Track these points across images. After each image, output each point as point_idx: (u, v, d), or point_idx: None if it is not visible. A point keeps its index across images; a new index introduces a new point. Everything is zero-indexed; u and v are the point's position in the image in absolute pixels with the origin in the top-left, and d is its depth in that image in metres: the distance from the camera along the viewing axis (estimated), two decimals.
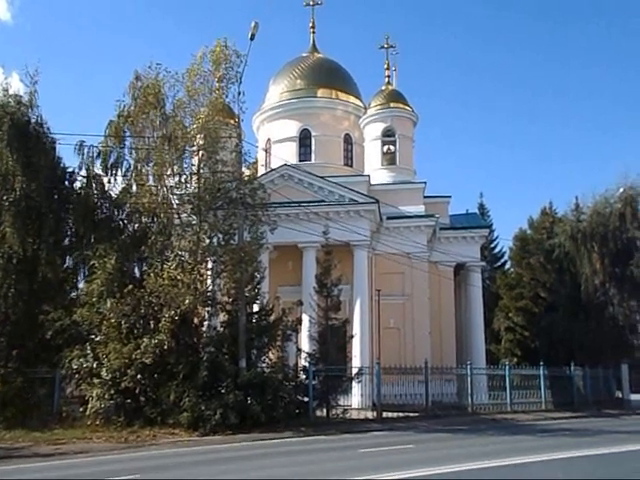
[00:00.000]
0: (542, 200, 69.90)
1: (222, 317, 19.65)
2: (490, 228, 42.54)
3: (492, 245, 47.59)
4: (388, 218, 28.21)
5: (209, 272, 19.80)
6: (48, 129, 21.19)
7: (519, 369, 26.17)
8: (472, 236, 31.07)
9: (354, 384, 21.02)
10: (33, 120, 20.86)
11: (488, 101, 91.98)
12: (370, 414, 20.35)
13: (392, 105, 30.84)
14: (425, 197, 29.72)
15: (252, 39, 18.66)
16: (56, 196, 20.74)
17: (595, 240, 31.75)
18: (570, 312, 32.19)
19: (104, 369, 17.36)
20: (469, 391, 22.71)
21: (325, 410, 19.40)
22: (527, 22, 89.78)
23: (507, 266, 46.71)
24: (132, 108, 20.09)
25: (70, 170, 21.65)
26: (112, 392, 17.18)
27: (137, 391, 17.23)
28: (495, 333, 39.25)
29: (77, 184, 21.84)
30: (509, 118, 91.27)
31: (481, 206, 48.76)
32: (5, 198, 19.57)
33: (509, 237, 45.43)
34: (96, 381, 17.46)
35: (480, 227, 32.73)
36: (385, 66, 32.65)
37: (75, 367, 17.90)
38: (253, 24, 18.53)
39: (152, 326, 17.65)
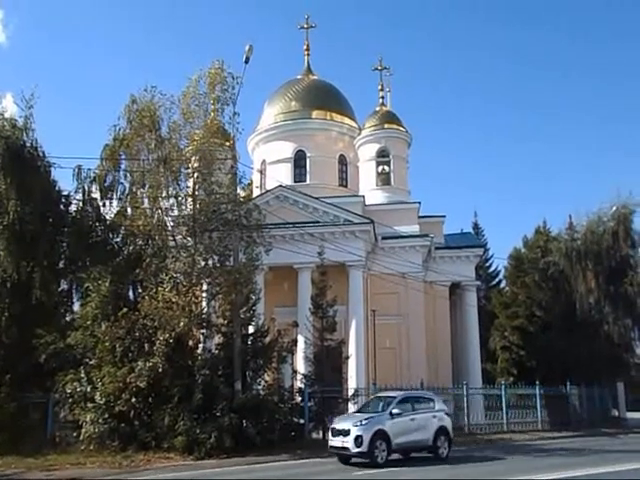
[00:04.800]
0: (536, 219, 70.41)
1: (217, 339, 19.58)
2: (485, 247, 42.64)
3: (487, 264, 47.66)
4: (383, 238, 28.35)
5: (204, 294, 19.77)
6: (43, 153, 21.35)
7: (515, 388, 26.09)
8: (467, 255, 31.15)
9: (350, 405, 20.86)
10: (28, 144, 20.98)
11: (482, 121, 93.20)
12: None
13: (386, 126, 31.20)
14: (420, 217, 29.92)
15: (247, 62, 18.90)
16: (51, 219, 20.78)
17: (589, 258, 31.92)
18: (565, 330, 32.16)
19: (98, 393, 17.20)
20: (465, 411, 22.62)
21: (321, 432, 19.25)
22: (519, 40, 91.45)
23: (502, 285, 46.70)
24: (127, 131, 20.25)
25: (65, 193, 21.80)
26: (106, 416, 17.00)
27: (131, 415, 17.05)
28: (491, 352, 39.08)
29: (72, 207, 21.93)
30: (503, 137, 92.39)
31: (475, 225, 48.98)
32: None
33: (504, 256, 45.55)
34: (90, 405, 17.28)
35: (475, 246, 32.84)
36: (379, 87, 33.12)
37: (69, 391, 17.74)
38: (248, 47, 18.79)
39: (147, 349, 17.53)
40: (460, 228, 36.72)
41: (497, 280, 48.07)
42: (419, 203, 30.20)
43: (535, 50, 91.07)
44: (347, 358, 22.04)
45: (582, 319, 31.62)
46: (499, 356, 39.10)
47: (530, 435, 22.36)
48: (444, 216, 32.36)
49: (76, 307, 21.59)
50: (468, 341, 30.61)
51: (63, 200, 21.80)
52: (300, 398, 19.45)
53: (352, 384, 22.15)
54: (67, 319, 21.03)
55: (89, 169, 21.46)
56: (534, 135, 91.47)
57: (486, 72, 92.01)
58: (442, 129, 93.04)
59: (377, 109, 32.43)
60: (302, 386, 19.71)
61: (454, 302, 32.00)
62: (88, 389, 17.52)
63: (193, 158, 20.10)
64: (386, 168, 30.91)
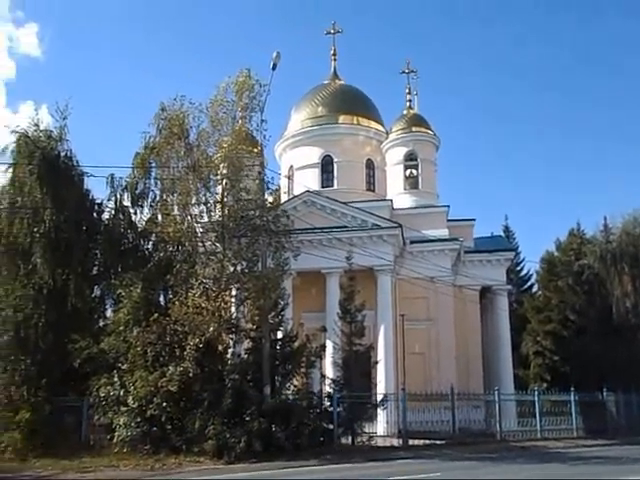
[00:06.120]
0: (569, 221, 68.95)
1: (246, 344, 19.69)
2: (516, 251, 41.99)
3: (518, 268, 46.87)
4: (411, 242, 28.16)
5: (233, 299, 19.95)
6: (77, 162, 21.89)
7: (549, 395, 25.53)
8: (497, 259, 30.73)
9: (379, 411, 20.77)
10: (62, 154, 21.53)
11: (512, 123, 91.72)
12: (396, 441, 20.07)
13: (414, 129, 31.05)
14: (449, 220, 29.63)
15: (274, 69, 19.06)
16: (84, 227, 21.25)
17: (625, 261, 31.19)
18: (601, 335, 31.40)
19: (130, 397, 17.52)
20: (497, 418, 22.22)
21: (350, 437, 19.18)
22: (547, 40, 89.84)
23: (534, 289, 45.89)
24: (158, 139, 20.62)
25: (98, 202, 22.28)
26: (138, 420, 17.31)
27: (163, 419, 17.30)
28: (523, 357, 38.39)
29: (105, 215, 22.43)
30: (533, 138, 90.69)
31: (506, 228, 48.22)
32: (35, 230, 20.08)
33: (536, 259, 44.85)
34: (123, 409, 17.63)
35: (505, 250, 32.39)
36: (406, 90, 33.00)
37: (102, 395, 18.09)
38: (275, 54, 18.93)
39: (177, 354, 17.78)
40: (490, 231, 36.30)
41: (529, 284, 47.25)
42: (448, 207, 29.93)
43: (565, 46, 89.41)
44: (376, 363, 21.93)
45: (618, 323, 30.86)
46: (532, 361, 38.40)
47: (565, 443, 21.82)
48: (474, 219, 32.00)
49: (109, 313, 22.04)
50: (499, 346, 30.13)
51: (96, 208, 22.30)
52: (329, 403, 19.41)
53: (381, 389, 22.05)
54: (100, 325, 21.44)
55: (121, 177, 21.94)
56: (567, 136, 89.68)
57: (515, 73, 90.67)
58: (471, 132, 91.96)
59: (404, 112, 32.31)
60: (331, 391, 19.68)
61: (485, 306, 31.55)
62: (121, 393, 17.85)
63: (222, 165, 20.36)
64: (414, 172, 30.73)
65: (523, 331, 38.85)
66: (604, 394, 25.65)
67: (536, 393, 24.30)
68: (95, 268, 22.00)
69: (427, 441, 20.11)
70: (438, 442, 20.13)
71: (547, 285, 39.41)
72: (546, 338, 37.08)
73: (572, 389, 24.53)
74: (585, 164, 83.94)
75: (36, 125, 21.54)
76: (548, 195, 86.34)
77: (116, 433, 17.38)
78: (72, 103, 21.64)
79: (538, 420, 23.01)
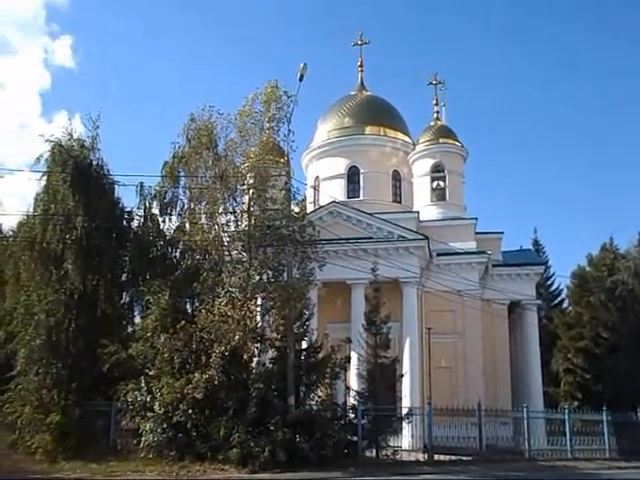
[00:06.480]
0: (602, 236, 67.24)
1: (271, 353, 19.71)
2: (546, 265, 41.25)
3: (548, 282, 45.98)
4: (438, 255, 27.90)
5: (258, 308, 20.02)
6: (108, 171, 22.35)
7: (580, 413, 24.71)
8: (527, 273, 30.15)
9: (404, 424, 20.47)
10: (94, 162, 22.01)
11: (542, 135, 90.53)
12: (421, 456, 19.75)
13: (441, 140, 30.90)
14: (476, 233, 29.28)
15: (301, 80, 19.22)
16: (114, 235, 21.58)
17: None
18: (634, 353, 30.50)
19: (157, 403, 17.65)
20: (526, 435, 21.64)
21: (374, 450, 18.96)
22: (573, 53, 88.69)
23: (565, 304, 44.89)
24: (186, 149, 20.98)
25: (128, 210, 22.70)
26: (164, 426, 17.41)
27: (188, 425, 17.37)
28: (553, 375, 37.47)
29: (134, 223, 22.83)
30: (564, 152, 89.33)
31: (535, 242, 47.48)
32: (67, 237, 20.49)
33: (567, 274, 43.79)
34: (149, 414, 17.76)
35: (535, 264, 31.79)
36: (434, 102, 32.92)
37: (130, 400, 18.28)
38: (302, 65, 19.11)
39: (203, 361, 17.87)
40: (519, 245, 35.66)
41: (559, 299, 46.30)
42: (475, 219, 29.60)
43: (593, 59, 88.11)
44: (401, 376, 21.67)
45: None
46: (562, 379, 37.46)
47: (597, 463, 21.07)
48: (502, 232, 31.59)
49: (137, 319, 22.32)
50: (528, 362, 29.46)
51: (126, 216, 22.71)
52: (353, 415, 19.24)
53: (406, 403, 21.73)
54: (129, 330, 21.73)
55: (150, 186, 22.30)
56: (598, 147, 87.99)
57: (542, 84, 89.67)
58: (499, 143, 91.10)
59: (432, 124, 32.20)
60: (355, 403, 19.51)
61: (513, 321, 30.96)
62: (148, 399, 18.00)
63: (249, 175, 20.57)
64: (441, 183, 30.53)
65: (553, 347, 37.97)
66: (638, 414, 24.78)
67: (566, 411, 23.58)
68: (124, 275, 22.32)
69: (453, 457, 19.69)
70: (464, 458, 19.69)
71: (578, 301, 38.52)
72: (577, 355, 36.15)
73: (604, 408, 23.77)
74: (618, 177, 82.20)
75: (69, 134, 22.09)
76: (579, 209, 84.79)
77: (142, 438, 17.51)
78: (103, 113, 22.19)
79: (568, 439, 22.30)
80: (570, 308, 42.20)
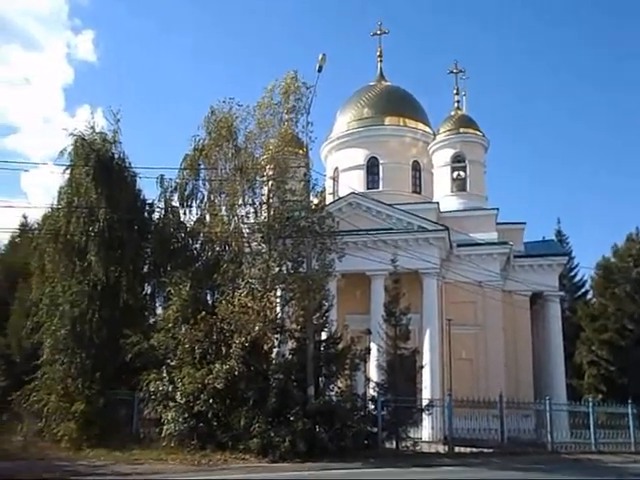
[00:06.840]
0: (627, 226, 65.75)
1: (291, 344, 19.79)
2: (569, 256, 40.59)
3: (572, 274, 45.31)
4: (459, 245, 27.65)
5: (278, 300, 20.09)
6: (129, 164, 22.57)
7: (604, 406, 24.35)
8: (549, 264, 29.69)
9: (424, 416, 20.42)
10: (116, 156, 22.25)
11: (566, 124, 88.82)
12: (441, 448, 19.66)
13: (462, 130, 30.49)
14: (498, 224, 28.90)
15: (320, 71, 19.10)
16: (136, 227, 21.84)
17: None
18: None
19: (178, 393, 17.88)
20: (548, 428, 21.40)
21: (394, 442, 18.94)
22: (596, 43, 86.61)
23: (589, 296, 44.23)
24: (206, 141, 21.09)
25: (149, 202, 22.90)
26: (186, 415, 17.64)
27: (209, 415, 17.57)
28: (577, 367, 37.01)
29: (155, 215, 23.05)
30: (588, 141, 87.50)
31: (558, 233, 46.80)
32: (90, 229, 20.80)
33: (591, 265, 43.15)
34: (171, 404, 18.01)
35: (558, 255, 31.28)
36: (454, 91, 32.48)
37: (152, 390, 18.53)
38: (321, 56, 18.98)
39: (224, 352, 18.03)
40: (542, 236, 35.16)
41: (583, 291, 45.67)
42: (497, 209, 29.20)
43: (616, 45, 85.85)
44: (421, 367, 21.60)
45: None
46: (586, 371, 37.01)
47: (622, 457, 20.73)
48: (524, 223, 31.12)
49: (159, 310, 22.62)
50: (551, 354, 29.10)
51: (147, 208, 22.91)
52: (373, 406, 19.25)
53: (426, 394, 21.66)
54: (151, 321, 22.01)
55: (170, 178, 22.49)
56: (621, 135, 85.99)
57: (565, 73, 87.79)
58: (522, 132, 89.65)
59: (452, 113, 31.79)
60: (375, 394, 19.51)
61: (536, 313, 30.58)
62: (169, 388, 18.24)
63: (268, 166, 20.59)
64: (462, 174, 30.18)
65: (576, 339, 37.49)
66: None
67: (590, 404, 23.22)
68: (146, 266, 22.59)
69: (474, 449, 19.54)
70: (485, 450, 19.56)
71: (603, 292, 37.95)
72: (602, 347, 35.65)
73: (629, 401, 23.38)
74: None
75: (92, 128, 22.30)
76: (604, 198, 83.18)
77: (164, 427, 17.76)
78: (124, 106, 22.40)
79: (592, 432, 21.98)
80: (594, 300, 41.58)
